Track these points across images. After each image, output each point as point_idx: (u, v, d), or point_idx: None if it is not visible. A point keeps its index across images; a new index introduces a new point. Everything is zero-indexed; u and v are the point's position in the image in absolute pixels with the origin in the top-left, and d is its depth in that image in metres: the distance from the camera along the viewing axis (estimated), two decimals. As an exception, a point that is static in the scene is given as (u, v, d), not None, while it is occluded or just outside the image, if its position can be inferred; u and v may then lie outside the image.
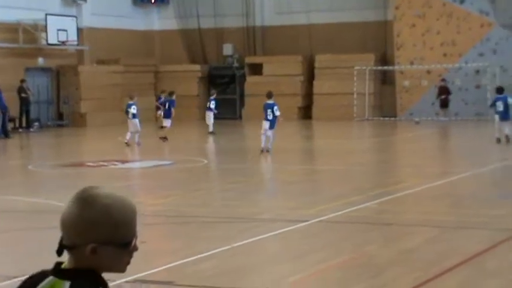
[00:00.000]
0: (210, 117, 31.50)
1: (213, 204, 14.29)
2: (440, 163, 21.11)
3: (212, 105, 31.64)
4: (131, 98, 27.83)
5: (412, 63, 38.81)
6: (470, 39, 37.75)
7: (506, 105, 24.78)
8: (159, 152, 25.55)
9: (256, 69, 41.70)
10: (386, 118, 38.71)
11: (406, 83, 39.22)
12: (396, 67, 39.40)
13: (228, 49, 42.74)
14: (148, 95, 39.48)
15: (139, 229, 2.55)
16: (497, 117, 24.97)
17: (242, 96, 41.72)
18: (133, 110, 27.21)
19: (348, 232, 11.81)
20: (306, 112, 40.82)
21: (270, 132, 22.99)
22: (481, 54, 37.60)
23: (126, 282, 8.47)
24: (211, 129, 31.26)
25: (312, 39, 41.17)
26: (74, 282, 2.51)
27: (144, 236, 11.31)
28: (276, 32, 42.27)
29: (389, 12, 39.88)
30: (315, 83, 40.60)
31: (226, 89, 41.87)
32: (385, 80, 40.92)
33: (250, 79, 41.72)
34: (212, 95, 32.96)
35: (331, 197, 14.68)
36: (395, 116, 39.02)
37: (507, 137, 24.62)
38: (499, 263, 9.59)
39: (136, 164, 21.56)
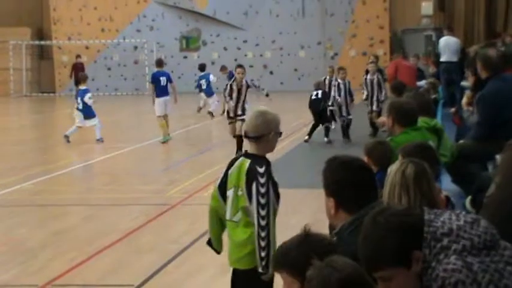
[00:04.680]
0: None
1: None
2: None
3: None
4: None
5: (70, 39, 38.39)
6: (127, 15, 38.21)
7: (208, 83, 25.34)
8: None
9: None
10: (45, 94, 37.97)
11: (65, 58, 38.74)
12: (54, 42, 38.73)
13: None
14: None
15: None
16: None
17: None
18: None
19: (0, 216, 11.32)
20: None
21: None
22: (139, 30, 38.24)
23: None
24: None
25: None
26: (252, 160, 4.91)
27: None
28: None
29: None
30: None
31: None
32: (43, 55, 40.04)
33: None
34: None
35: (-16, 180, 14.00)
36: (54, 92, 38.41)
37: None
38: (153, 237, 9.78)
39: None
